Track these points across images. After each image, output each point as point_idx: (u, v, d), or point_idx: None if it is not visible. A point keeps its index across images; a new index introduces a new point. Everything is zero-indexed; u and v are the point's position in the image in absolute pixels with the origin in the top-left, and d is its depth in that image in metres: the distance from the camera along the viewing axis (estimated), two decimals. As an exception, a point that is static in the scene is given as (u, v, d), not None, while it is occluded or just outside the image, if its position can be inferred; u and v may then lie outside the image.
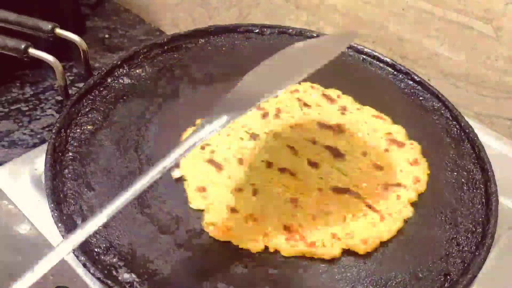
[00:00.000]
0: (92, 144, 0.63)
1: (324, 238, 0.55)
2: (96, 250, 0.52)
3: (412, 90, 0.78)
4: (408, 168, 0.64)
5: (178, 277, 0.51)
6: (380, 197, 0.61)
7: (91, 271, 0.49)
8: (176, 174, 0.60)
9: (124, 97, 0.70)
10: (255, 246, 0.54)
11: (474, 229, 0.59)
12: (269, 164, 0.62)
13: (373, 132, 0.69)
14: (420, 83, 0.78)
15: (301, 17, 1.01)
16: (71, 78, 1.07)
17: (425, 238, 0.58)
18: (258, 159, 0.63)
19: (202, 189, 0.59)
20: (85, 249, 0.51)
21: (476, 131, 0.70)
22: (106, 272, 0.50)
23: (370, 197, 0.60)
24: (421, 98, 0.77)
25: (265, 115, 0.70)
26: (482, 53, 0.83)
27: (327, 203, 0.59)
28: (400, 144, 0.67)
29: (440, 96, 0.75)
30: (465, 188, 0.64)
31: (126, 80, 0.72)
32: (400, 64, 0.80)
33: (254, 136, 0.66)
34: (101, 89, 0.70)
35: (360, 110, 0.72)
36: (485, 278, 0.56)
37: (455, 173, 0.66)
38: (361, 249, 0.55)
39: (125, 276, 0.50)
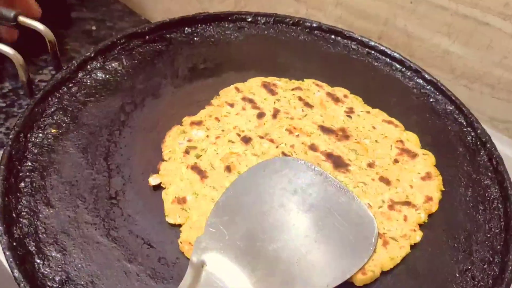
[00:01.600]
0: (56, 151, 0.55)
1: None
2: (49, 284, 0.44)
3: (422, 90, 0.69)
4: (420, 184, 0.56)
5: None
6: (384, 217, 0.53)
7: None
8: (154, 181, 0.52)
9: (97, 95, 0.62)
10: None
11: (491, 259, 0.51)
12: None
13: (382, 139, 0.61)
14: (432, 82, 0.69)
15: (300, 10, 0.92)
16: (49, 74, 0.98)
17: (434, 268, 0.50)
18: (249, 167, 0.55)
19: (182, 201, 0.51)
20: (34, 283, 0.43)
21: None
22: (59, 312, 0.42)
23: (374, 216, 0.52)
24: (432, 99, 0.68)
25: (261, 115, 0.62)
26: (499, 52, 0.74)
27: None
28: (413, 155, 0.59)
29: (453, 98, 0.67)
30: (481, 208, 0.56)
31: (100, 75, 0.64)
32: (409, 60, 0.72)
33: (246, 140, 0.58)
34: (70, 85, 0.62)
35: (370, 113, 0.64)
36: None
37: (470, 190, 0.58)
38: (359, 280, 0.48)
39: (82, 317, 0.43)
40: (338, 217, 0.50)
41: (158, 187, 0.53)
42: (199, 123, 0.59)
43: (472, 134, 0.64)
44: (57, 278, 0.45)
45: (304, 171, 0.53)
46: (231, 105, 0.62)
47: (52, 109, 0.59)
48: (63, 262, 0.46)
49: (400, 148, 0.60)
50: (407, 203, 0.54)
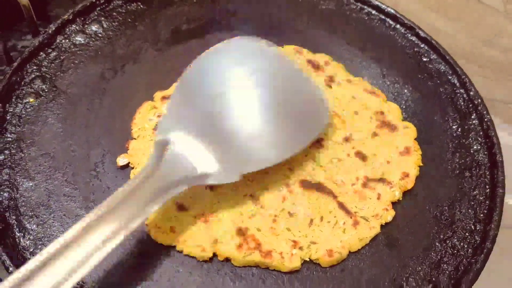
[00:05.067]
0: (35, 122, 0.54)
1: (283, 247, 0.47)
2: (29, 257, 0.45)
3: (415, 49, 0.66)
4: (397, 159, 0.54)
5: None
6: (357, 195, 0.51)
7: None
8: (122, 161, 0.52)
9: (76, 61, 0.60)
10: (202, 254, 0.46)
11: (473, 228, 0.51)
12: None
13: (362, 110, 0.58)
14: (426, 40, 0.66)
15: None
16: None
17: (413, 238, 0.50)
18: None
19: None
20: (15, 256, 0.44)
21: None
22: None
23: (345, 195, 0.51)
24: (425, 59, 0.65)
25: None
26: (487, 30, 0.71)
27: (294, 201, 0.50)
28: (393, 127, 0.57)
29: (447, 57, 0.64)
30: (467, 174, 0.55)
31: (79, 39, 0.62)
32: (403, 17, 0.68)
33: None
34: (49, 51, 0.60)
35: (351, 82, 0.61)
36: (480, 280, 0.49)
37: (457, 155, 0.57)
38: (325, 261, 0.47)
39: None
40: (292, 96, 0.52)
41: (126, 167, 0.52)
42: (170, 97, 0.56)
43: (465, 96, 0.61)
44: (37, 251, 0.45)
45: (260, 52, 0.54)
46: None
47: (31, 77, 0.57)
48: (43, 235, 0.47)
49: (380, 120, 0.57)
50: (382, 180, 0.53)
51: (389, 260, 0.48)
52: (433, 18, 0.73)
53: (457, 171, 0.55)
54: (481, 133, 0.58)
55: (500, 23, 0.68)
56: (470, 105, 0.60)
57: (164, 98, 0.56)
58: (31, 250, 0.46)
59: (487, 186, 0.54)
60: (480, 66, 0.72)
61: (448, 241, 0.50)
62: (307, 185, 0.51)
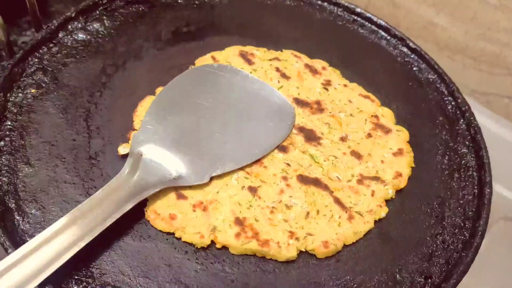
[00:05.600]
0: (35, 111, 0.55)
1: (281, 237, 0.48)
2: (28, 240, 0.45)
3: (405, 59, 0.69)
4: (391, 159, 0.56)
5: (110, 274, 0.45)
6: (352, 191, 0.53)
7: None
8: (123, 150, 0.52)
9: (77, 56, 0.61)
10: (200, 240, 0.47)
11: (462, 225, 0.53)
12: None
13: (357, 113, 0.60)
14: (416, 51, 0.69)
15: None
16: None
17: (406, 233, 0.52)
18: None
19: None
20: (14, 238, 0.44)
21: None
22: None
23: (341, 190, 0.53)
24: (415, 68, 0.68)
25: None
26: (482, 24, 0.74)
27: (291, 194, 0.51)
28: (386, 130, 0.59)
29: (436, 67, 0.67)
30: (456, 175, 0.57)
31: (81, 36, 0.63)
32: (395, 28, 0.71)
33: None
34: (51, 45, 0.61)
35: (347, 87, 0.63)
36: (474, 269, 0.50)
37: (446, 158, 0.59)
38: (321, 252, 0.48)
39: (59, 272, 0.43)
40: (260, 108, 0.58)
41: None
42: None
43: (453, 103, 0.64)
44: (36, 235, 0.45)
45: (228, 74, 0.61)
46: None
47: (32, 69, 0.58)
48: (42, 219, 0.47)
49: (374, 123, 0.60)
50: (376, 178, 0.54)
51: (383, 253, 0.50)
52: (429, 12, 0.76)
53: (446, 172, 0.57)
54: (468, 137, 0.60)
55: (495, 17, 0.71)
56: (458, 112, 0.63)
57: None
58: (30, 233, 0.46)
59: (475, 186, 0.56)
60: (475, 60, 0.74)
61: (439, 236, 0.52)
62: (304, 179, 0.53)
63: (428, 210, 0.54)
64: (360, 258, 0.49)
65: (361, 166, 0.55)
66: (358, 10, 0.73)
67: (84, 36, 0.63)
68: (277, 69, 0.63)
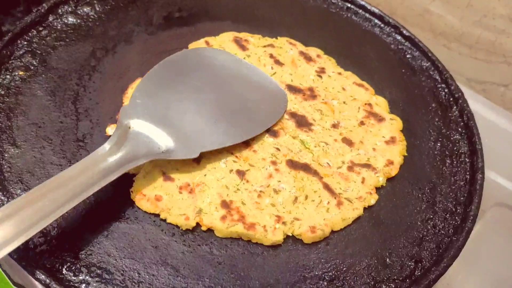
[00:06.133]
0: (23, 93, 0.54)
1: (267, 221, 0.47)
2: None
3: (399, 46, 0.69)
4: (383, 147, 0.56)
5: (96, 255, 0.44)
6: (342, 178, 0.53)
7: None
8: (111, 131, 0.51)
9: (67, 39, 0.60)
10: (186, 222, 0.46)
11: (454, 210, 0.52)
12: None
13: (351, 101, 0.60)
14: (409, 38, 0.69)
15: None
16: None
17: (397, 217, 0.51)
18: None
19: None
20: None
21: (466, 98, 0.62)
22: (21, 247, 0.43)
23: (330, 176, 0.52)
24: (408, 55, 0.68)
25: None
26: (478, 10, 0.73)
27: (279, 179, 0.51)
28: (379, 118, 0.59)
29: (430, 54, 0.67)
30: (448, 161, 0.57)
31: (71, 19, 0.62)
32: (388, 16, 0.71)
33: None
34: (41, 28, 0.60)
35: (341, 75, 0.63)
36: (467, 255, 0.50)
37: (439, 144, 0.58)
38: (307, 237, 0.48)
39: (44, 254, 0.43)
40: (252, 91, 0.58)
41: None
42: None
43: (446, 90, 0.64)
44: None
45: (220, 57, 0.60)
46: None
47: (21, 52, 0.57)
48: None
49: (367, 111, 0.59)
50: (367, 166, 0.54)
51: (373, 237, 0.49)
52: (425, 0, 0.75)
53: (438, 158, 0.57)
54: (461, 124, 0.60)
55: (491, 4, 0.70)
56: (451, 99, 0.63)
57: None
58: (15, 213, 0.45)
59: (467, 172, 0.55)
60: (471, 48, 0.74)
61: (430, 221, 0.51)
62: (294, 165, 0.52)
63: (420, 195, 0.53)
64: (350, 241, 0.49)
65: (352, 153, 0.55)
66: (352, -3, 0.73)
67: (74, 20, 0.62)
68: (271, 56, 0.63)
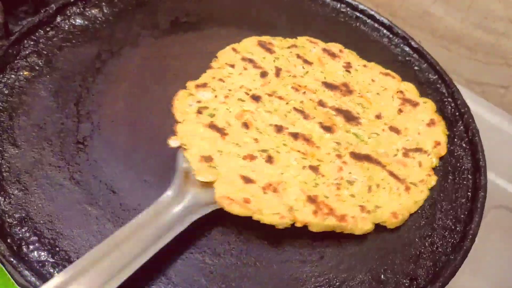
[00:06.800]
0: (27, 93, 0.55)
1: (354, 211, 0.48)
2: (8, 220, 0.45)
3: (407, 58, 0.68)
4: (426, 130, 0.58)
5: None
6: (401, 164, 0.54)
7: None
8: (173, 143, 0.50)
9: (73, 41, 0.61)
10: (281, 221, 0.46)
11: (453, 227, 0.51)
12: (278, 128, 0.54)
13: (383, 91, 0.61)
14: (418, 50, 0.68)
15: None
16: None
17: (394, 233, 0.50)
18: (265, 123, 0.54)
19: (209, 159, 0.49)
20: (-6, 219, 0.44)
21: (465, 98, 0.62)
22: (15, 247, 0.43)
23: (392, 164, 0.54)
24: (416, 68, 0.67)
25: (264, 74, 0.60)
26: (479, 12, 0.72)
27: (350, 171, 0.52)
28: (414, 103, 0.60)
29: (438, 68, 0.66)
30: (450, 177, 0.56)
31: (79, 21, 0.63)
32: (397, 26, 0.70)
33: (255, 98, 0.56)
34: (48, 29, 0.61)
35: (366, 67, 0.64)
36: (468, 257, 0.49)
37: (442, 159, 0.57)
38: (392, 223, 0.49)
39: (36, 254, 0.43)
40: None
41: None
42: (203, 85, 0.57)
43: (452, 104, 0.63)
44: (16, 215, 0.45)
45: None
46: (232, 66, 0.60)
47: (27, 52, 0.58)
48: (24, 201, 0.46)
49: (401, 98, 0.61)
50: (419, 150, 0.56)
51: (368, 252, 0.48)
52: (425, 1, 0.75)
53: (441, 174, 0.56)
54: (466, 139, 0.59)
55: (491, 6, 0.69)
56: (457, 113, 0.62)
57: (197, 86, 0.56)
58: (11, 213, 0.45)
59: (469, 190, 0.54)
60: (471, 50, 0.73)
61: (428, 238, 0.50)
62: (357, 156, 0.53)
63: (419, 211, 0.52)
64: (345, 256, 0.48)
65: (401, 140, 0.57)
66: (362, 7, 0.72)
67: (82, 22, 0.63)
68: (298, 56, 0.63)
